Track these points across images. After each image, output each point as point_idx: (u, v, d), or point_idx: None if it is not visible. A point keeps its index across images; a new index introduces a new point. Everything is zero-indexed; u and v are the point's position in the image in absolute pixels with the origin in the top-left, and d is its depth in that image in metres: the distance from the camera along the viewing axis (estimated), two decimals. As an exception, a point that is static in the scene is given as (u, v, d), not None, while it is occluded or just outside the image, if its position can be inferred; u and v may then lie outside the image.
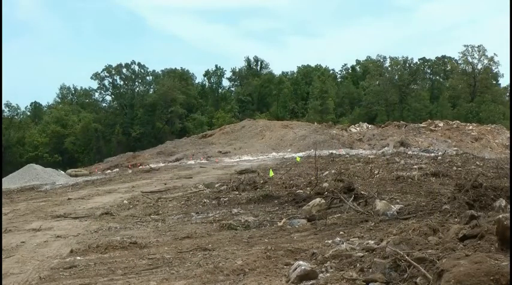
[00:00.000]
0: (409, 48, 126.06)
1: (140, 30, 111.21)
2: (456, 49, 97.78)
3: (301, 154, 25.35)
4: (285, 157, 24.85)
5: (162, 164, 24.51)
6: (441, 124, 34.70)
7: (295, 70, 75.19)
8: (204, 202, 10.78)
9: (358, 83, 69.64)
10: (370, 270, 4.45)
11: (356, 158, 20.37)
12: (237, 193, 11.68)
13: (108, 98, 69.99)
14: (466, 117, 52.19)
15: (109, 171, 23.93)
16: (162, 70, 71.94)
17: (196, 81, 75.73)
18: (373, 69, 66.43)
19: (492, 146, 30.01)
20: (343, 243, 5.83)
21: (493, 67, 64.18)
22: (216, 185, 13.30)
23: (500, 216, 4.34)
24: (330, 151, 24.97)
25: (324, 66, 74.51)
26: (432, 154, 20.98)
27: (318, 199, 8.70)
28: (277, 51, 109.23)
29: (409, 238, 5.04)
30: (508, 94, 64.59)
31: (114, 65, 68.02)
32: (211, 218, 8.82)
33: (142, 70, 69.26)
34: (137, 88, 69.39)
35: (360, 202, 8.78)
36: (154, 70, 70.53)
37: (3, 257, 6.52)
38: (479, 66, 63.94)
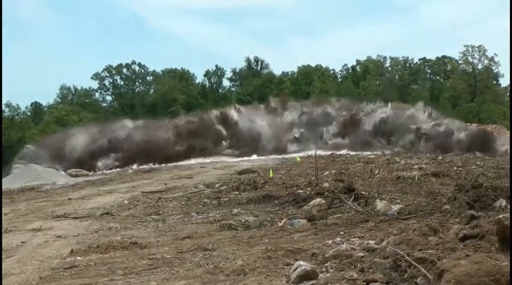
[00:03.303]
0: (409, 48, 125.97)
1: (140, 30, 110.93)
2: (456, 49, 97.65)
3: (301, 154, 25.33)
4: (285, 157, 24.84)
5: (162, 164, 24.48)
6: (441, 124, 34.61)
7: (296, 70, 75.25)
8: (205, 202, 10.78)
9: (359, 83, 69.66)
10: (371, 270, 4.45)
11: (356, 158, 20.36)
12: (237, 193, 11.67)
13: (109, 98, 70.20)
14: (466, 117, 52.19)
15: (109, 171, 23.91)
16: (162, 71, 72.00)
17: (197, 81, 75.84)
18: (373, 69, 66.52)
19: (492, 146, 29.95)
20: (343, 244, 5.84)
21: (494, 68, 64.32)
22: (217, 185, 13.28)
23: (501, 216, 4.34)
24: (331, 151, 24.94)
25: (324, 66, 74.52)
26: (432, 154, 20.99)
27: (318, 199, 8.69)
28: (277, 51, 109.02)
29: (410, 238, 5.04)
30: (508, 94, 64.65)
31: (114, 65, 68.22)
32: (211, 218, 8.82)
33: (142, 71, 69.41)
34: (138, 88, 69.48)
35: (360, 202, 8.78)
36: (154, 71, 70.64)
37: (3, 257, 6.52)
38: (480, 66, 64.05)
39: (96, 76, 67.89)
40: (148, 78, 70.08)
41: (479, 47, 63.45)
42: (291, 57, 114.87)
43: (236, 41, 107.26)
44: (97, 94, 70.03)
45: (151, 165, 21.98)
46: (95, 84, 69.05)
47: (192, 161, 24.80)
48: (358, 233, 6.67)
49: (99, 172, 22.78)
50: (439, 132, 26.60)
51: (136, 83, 69.48)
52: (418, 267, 4.06)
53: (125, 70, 68.32)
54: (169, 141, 26.14)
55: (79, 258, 6.33)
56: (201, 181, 14.91)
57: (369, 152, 23.26)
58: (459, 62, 67.43)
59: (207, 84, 75.84)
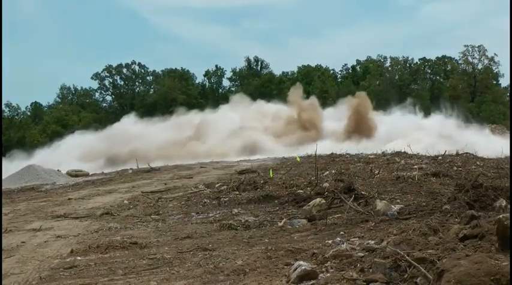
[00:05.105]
0: (409, 48, 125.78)
1: (140, 30, 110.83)
2: (456, 49, 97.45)
3: (301, 154, 25.32)
4: (285, 157, 24.85)
5: (162, 164, 24.49)
6: (442, 124, 34.63)
7: (296, 70, 75.15)
8: (205, 202, 10.78)
9: (359, 83, 69.55)
10: (371, 270, 4.45)
11: (356, 158, 20.36)
12: (237, 193, 11.67)
13: (109, 98, 70.11)
14: (466, 117, 52.14)
15: (109, 171, 23.92)
16: (162, 71, 71.81)
17: (197, 81, 75.76)
18: (373, 69, 66.48)
19: (492, 146, 29.95)
20: (343, 244, 5.83)
21: (494, 67, 64.30)
22: (217, 185, 13.29)
23: (501, 216, 4.34)
24: (330, 151, 24.94)
25: (324, 66, 74.37)
26: (432, 154, 20.93)
27: (318, 199, 8.70)
28: (277, 51, 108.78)
29: (410, 238, 5.04)
30: (508, 94, 64.65)
31: (114, 65, 68.19)
32: (211, 218, 8.82)
33: (142, 71, 69.34)
34: (137, 88, 69.45)
35: (360, 202, 8.77)
36: (154, 71, 70.52)
37: (3, 257, 6.52)
38: (480, 66, 64.03)
39: (96, 76, 67.88)
40: (148, 78, 70.04)
41: (479, 46, 63.47)
42: (291, 57, 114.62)
43: (236, 41, 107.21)
44: (97, 94, 70.02)
45: (150, 165, 21.98)
46: (95, 84, 69.03)
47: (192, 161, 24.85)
48: (358, 233, 6.67)
49: (99, 172, 22.84)
50: None
51: (136, 83, 69.45)
52: (418, 267, 4.06)
53: (124, 70, 68.30)
54: None
55: (79, 258, 6.33)
56: (201, 181, 14.92)
57: (368, 152, 23.25)
58: (459, 62, 67.41)
59: (207, 84, 75.75)
